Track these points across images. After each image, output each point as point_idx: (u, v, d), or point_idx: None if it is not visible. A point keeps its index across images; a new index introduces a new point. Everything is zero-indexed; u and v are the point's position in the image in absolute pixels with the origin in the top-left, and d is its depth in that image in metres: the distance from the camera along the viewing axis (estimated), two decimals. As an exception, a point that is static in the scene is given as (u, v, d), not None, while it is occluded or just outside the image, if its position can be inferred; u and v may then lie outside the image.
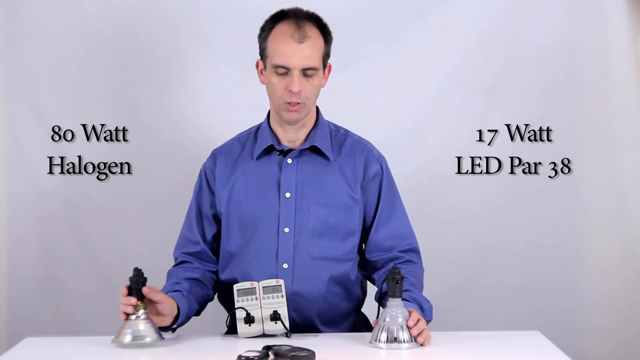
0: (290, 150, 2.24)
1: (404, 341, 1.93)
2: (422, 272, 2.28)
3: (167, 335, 2.08)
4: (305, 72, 2.13)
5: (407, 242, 2.28)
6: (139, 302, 1.97)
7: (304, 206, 2.20)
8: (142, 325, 1.97)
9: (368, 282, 2.38)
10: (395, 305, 1.95)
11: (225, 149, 2.31)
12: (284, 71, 2.13)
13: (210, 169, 2.30)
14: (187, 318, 2.14)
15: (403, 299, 2.00)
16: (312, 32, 2.15)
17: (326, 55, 2.21)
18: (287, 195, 2.21)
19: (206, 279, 2.27)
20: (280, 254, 2.19)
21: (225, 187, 2.26)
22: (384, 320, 1.95)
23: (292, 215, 2.20)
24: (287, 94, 2.14)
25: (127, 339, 1.95)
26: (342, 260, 2.23)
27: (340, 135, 2.30)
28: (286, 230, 2.20)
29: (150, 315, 2.00)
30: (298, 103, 2.15)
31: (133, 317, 1.97)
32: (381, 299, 2.09)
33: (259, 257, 2.21)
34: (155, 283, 2.88)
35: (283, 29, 2.14)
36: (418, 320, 1.95)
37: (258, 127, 2.31)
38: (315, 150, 2.24)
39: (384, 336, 1.94)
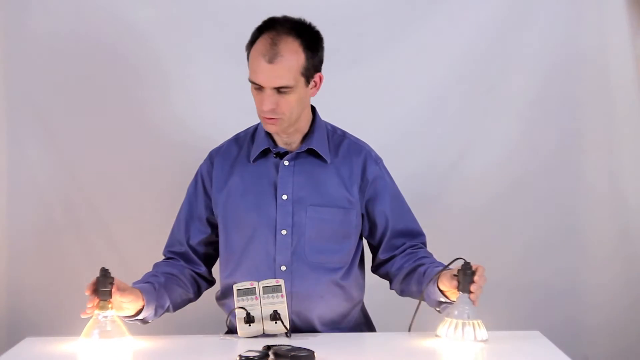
0: (286, 152, 2.23)
1: (470, 339, 1.95)
2: None
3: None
4: (279, 90, 2.10)
5: (418, 240, 2.33)
6: (107, 301, 1.98)
7: (301, 208, 2.20)
8: (109, 325, 1.98)
9: (366, 281, 2.38)
10: (464, 301, 1.97)
11: (222, 151, 2.31)
12: (258, 87, 2.12)
13: (207, 172, 2.30)
14: (155, 311, 2.14)
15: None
16: (288, 49, 2.09)
17: (311, 68, 2.14)
18: (284, 197, 2.21)
19: (186, 277, 2.28)
20: (277, 256, 2.20)
21: (222, 190, 2.26)
22: (453, 314, 1.97)
23: (289, 218, 2.20)
24: (262, 109, 2.13)
25: (94, 337, 1.97)
26: (339, 262, 2.23)
27: (337, 137, 2.30)
28: (283, 232, 2.20)
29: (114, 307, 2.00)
30: (273, 117, 2.13)
31: (101, 317, 1.98)
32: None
33: (257, 260, 2.21)
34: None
35: (259, 45, 2.11)
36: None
37: (256, 128, 2.31)
38: (312, 152, 2.24)
39: (451, 331, 1.96)
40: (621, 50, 2.95)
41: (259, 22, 2.21)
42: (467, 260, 2.01)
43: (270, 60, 2.07)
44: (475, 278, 1.98)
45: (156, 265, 2.31)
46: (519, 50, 2.96)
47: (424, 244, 2.34)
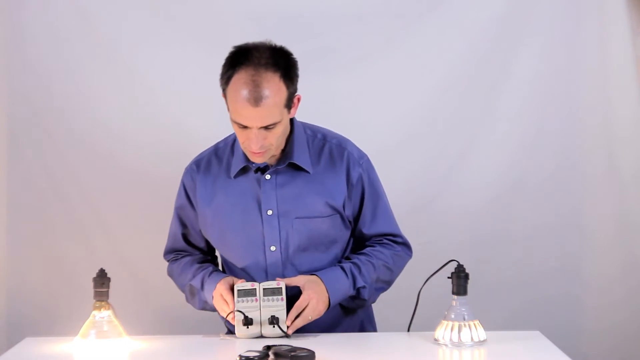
0: (267, 166, 2.18)
1: (468, 340, 1.95)
2: (398, 258, 2.26)
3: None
4: (266, 127, 2.04)
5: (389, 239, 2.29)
6: (103, 303, 2.00)
7: (287, 222, 2.17)
8: (106, 326, 1.99)
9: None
10: (461, 303, 1.98)
11: (203, 165, 2.25)
12: (243, 126, 2.04)
13: (190, 187, 2.26)
14: None
15: (339, 266, 2.16)
16: (270, 88, 1.99)
17: (291, 96, 2.07)
18: (269, 212, 2.17)
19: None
20: (269, 271, 2.19)
21: (208, 208, 2.22)
22: (450, 318, 1.98)
23: (277, 233, 2.17)
24: (248, 145, 2.07)
25: (91, 338, 1.98)
26: (329, 265, 2.21)
27: (317, 142, 2.22)
28: (273, 248, 2.18)
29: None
30: (260, 151, 2.08)
31: (97, 317, 1.99)
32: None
33: (251, 273, 2.21)
34: (153, 282, 2.87)
35: (239, 85, 2.00)
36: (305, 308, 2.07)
37: (235, 138, 2.23)
38: (293, 163, 2.18)
39: (448, 334, 1.96)
40: (621, 50, 2.95)
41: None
42: (461, 263, 2.01)
43: (256, 104, 1.98)
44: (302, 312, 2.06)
45: (185, 264, 2.30)
46: (519, 50, 2.96)
47: (395, 241, 2.27)
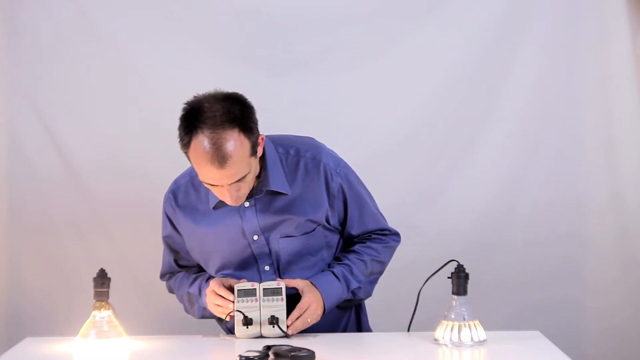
0: None
1: (468, 340, 1.96)
2: (388, 249, 2.27)
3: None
4: (237, 180, 2.01)
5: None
6: (103, 303, 2.01)
7: (274, 243, 2.17)
8: (106, 326, 2.00)
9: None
10: (461, 303, 1.98)
11: (181, 196, 2.23)
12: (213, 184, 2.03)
13: (172, 216, 2.24)
14: None
15: (331, 271, 2.17)
16: (233, 146, 1.93)
17: (254, 143, 1.99)
18: (255, 237, 2.16)
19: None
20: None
21: (192, 238, 2.22)
22: (450, 318, 1.98)
23: (267, 254, 2.18)
24: (222, 198, 2.05)
25: (91, 338, 1.98)
26: (320, 269, 2.22)
27: (291, 159, 2.17)
28: (267, 268, 2.19)
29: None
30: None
31: (97, 317, 2.00)
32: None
33: None
34: (154, 282, 2.87)
35: (200, 150, 1.94)
36: (305, 310, 2.07)
37: None
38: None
39: (448, 334, 1.96)
40: (621, 50, 2.95)
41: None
42: (461, 263, 2.01)
43: (221, 165, 1.93)
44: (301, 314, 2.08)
45: (182, 277, 2.29)
46: (519, 50, 2.96)
47: (384, 234, 2.27)
